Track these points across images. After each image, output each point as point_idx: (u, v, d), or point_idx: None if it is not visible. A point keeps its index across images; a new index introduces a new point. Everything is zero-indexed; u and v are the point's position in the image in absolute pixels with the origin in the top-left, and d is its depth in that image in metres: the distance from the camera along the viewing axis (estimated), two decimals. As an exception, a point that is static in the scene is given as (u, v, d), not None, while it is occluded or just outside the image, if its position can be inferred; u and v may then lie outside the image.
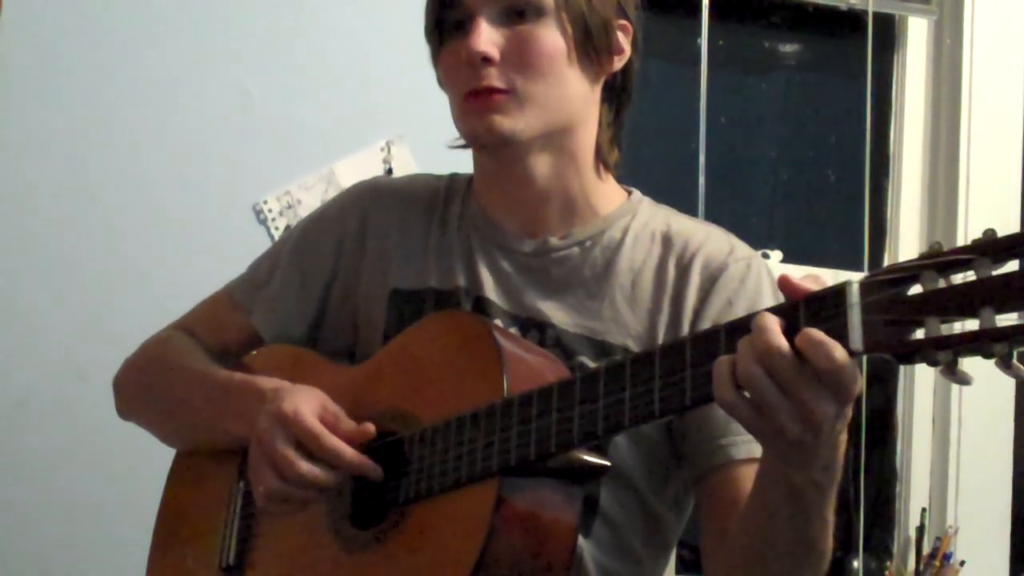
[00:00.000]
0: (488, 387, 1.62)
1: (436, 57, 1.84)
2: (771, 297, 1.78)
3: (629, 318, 1.78)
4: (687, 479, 1.79)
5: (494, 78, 1.75)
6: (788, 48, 3.75)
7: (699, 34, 3.40)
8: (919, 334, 1.30)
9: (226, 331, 1.99)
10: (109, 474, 2.78)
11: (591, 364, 1.74)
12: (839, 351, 1.32)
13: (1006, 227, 3.75)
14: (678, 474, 1.79)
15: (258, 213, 2.94)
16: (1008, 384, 3.51)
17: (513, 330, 1.78)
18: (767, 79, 3.77)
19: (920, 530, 3.44)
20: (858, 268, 3.47)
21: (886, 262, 3.64)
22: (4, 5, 2.80)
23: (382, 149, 3.01)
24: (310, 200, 2.94)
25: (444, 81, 1.84)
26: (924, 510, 3.48)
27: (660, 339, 1.76)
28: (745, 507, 1.60)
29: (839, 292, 1.34)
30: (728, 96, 3.61)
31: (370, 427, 1.69)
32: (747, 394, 1.37)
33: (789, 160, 3.77)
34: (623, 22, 1.83)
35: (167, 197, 2.88)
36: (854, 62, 3.61)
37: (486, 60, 1.74)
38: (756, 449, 1.67)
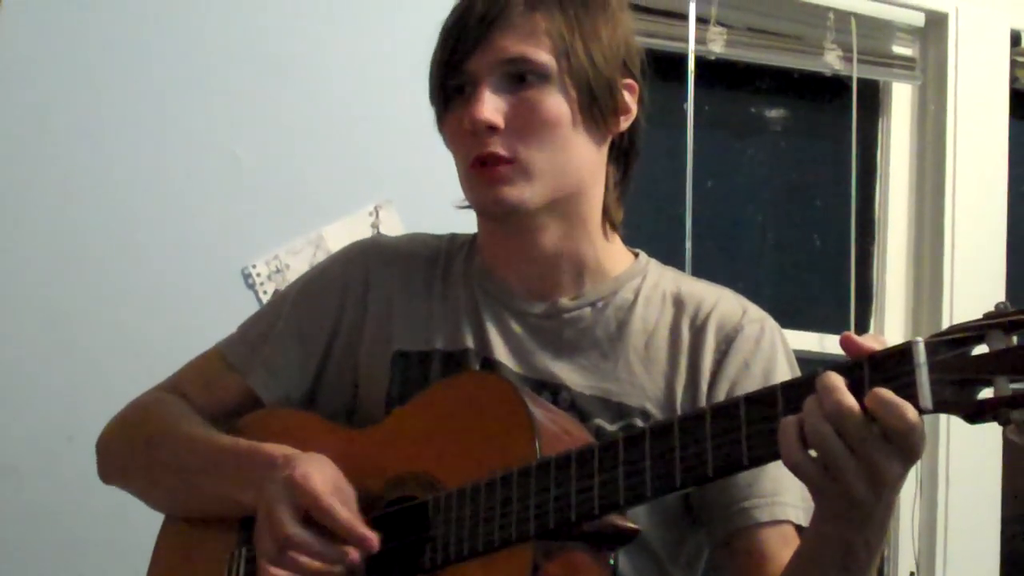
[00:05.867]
0: (519, 450, 1.59)
1: (441, 121, 1.83)
2: (784, 357, 1.80)
3: (645, 380, 1.78)
4: (701, 541, 1.79)
5: (498, 146, 1.73)
6: (774, 113, 3.78)
7: (685, 99, 3.42)
8: (986, 393, 1.33)
9: (219, 392, 1.94)
10: (98, 538, 2.76)
11: (608, 427, 1.74)
12: (911, 412, 1.34)
13: (991, 291, 3.77)
14: (692, 537, 1.78)
15: (247, 277, 2.94)
16: (995, 446, 3.51)
17: None
18: (753, 144, 3.79)
19: (909, 593, 3.43)
20: (843, 331, 3.48)
21: (872, 326, 3.66)
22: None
23: (370, 214, 3.02)
24: (298, 264, 2.94)
25: (449, 146, 1.83)
26: (912, 574, 3.47)
27: (678, 401, 1.76)
28: (791, 568, 1.60)
29: (905, 351, 1.35)
30: (714, 160, 3.62)
31: (373, 538, 1.64)
32: (813, 453, 1.38)
33: (775, 224, 3.79)
34: (629, 81, 1.82)
35: (156, 260, 2.87)
36: (839, 127, 3.64)
37: (490, 128, 1.73)
38: (780, 511, 1.69)
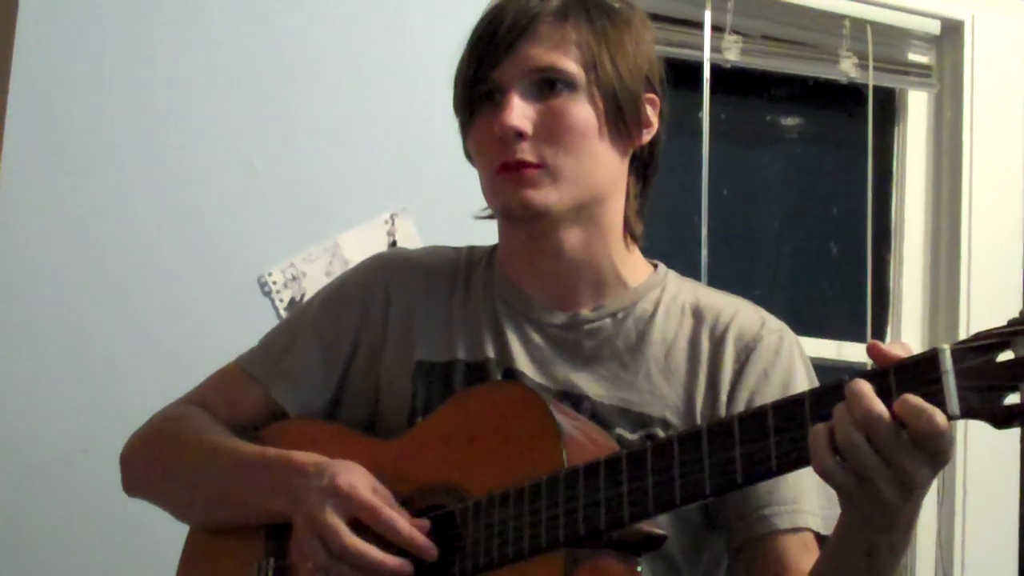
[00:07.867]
0: (546, 459, 1.60)
1: (466, 130, 1.85)
2: (803, 367, 1.82)
3: (665, 390, 1.79)
4: (720, 548, 1.79)
5: (526, 152, 1.75)
6: (789, 121, 3.78)
7: (700, 107, 3.42)
8: (1012, 399, 1.34)
9: (242, 405, 1.95)
10: (113, 548, 2.76)
11: (628, 436, 1.75)
12: (940, 417, 1.35)
13: (1009, 298, 3.76)
14: (710, 543, 1.79)
15: (263, 285, 2.94)
16: (1013, 454, 3.51)
17: None
18: (769, 152, 3.79)
19: (927, 602, 3.42)
20: (861, 339, 3.48)
21: (888, 334, 3.65)
22: (11, 83, 2.82)
23: (386, 222, 3.02)
24: (314, 272, 2.95)
25: (474, 154, 1.84)
26: (931, 581, 3.47)
27: (698, 411, 1.77)
28: (815, 572, 1.61)
29: (932, 358, 1.37)
30: (730, 169, 3.62)
31: (425, 523, 1.67)
32: (841, 460, 1.40)
33: (791, 232, 3.78)
34: (651, 95, 1.85)
35: (172, 269, 2.88)
36: (855, 135, 3.63)
37: (519, 135, 1.75)
38: (800, 519, 1.70)
